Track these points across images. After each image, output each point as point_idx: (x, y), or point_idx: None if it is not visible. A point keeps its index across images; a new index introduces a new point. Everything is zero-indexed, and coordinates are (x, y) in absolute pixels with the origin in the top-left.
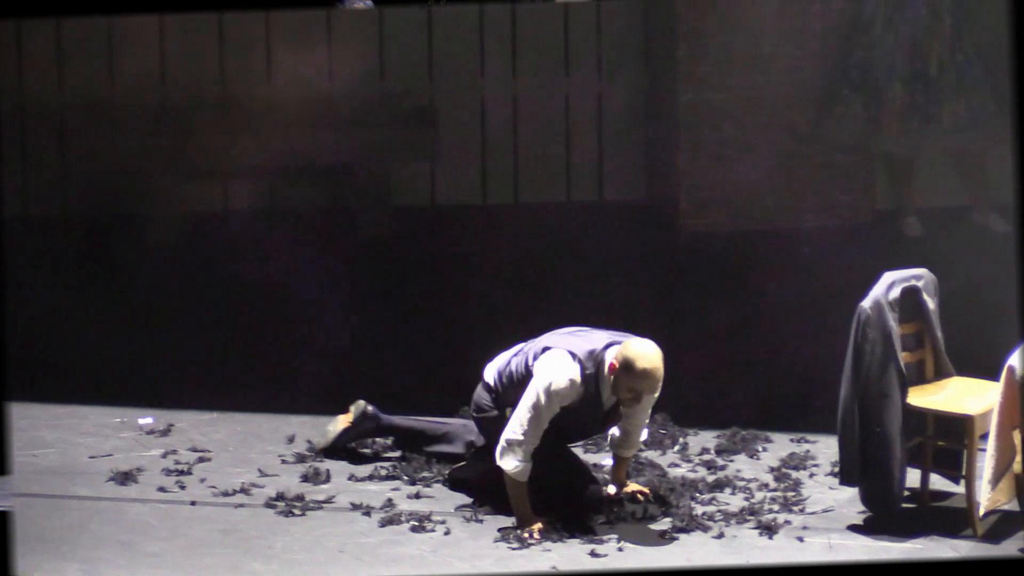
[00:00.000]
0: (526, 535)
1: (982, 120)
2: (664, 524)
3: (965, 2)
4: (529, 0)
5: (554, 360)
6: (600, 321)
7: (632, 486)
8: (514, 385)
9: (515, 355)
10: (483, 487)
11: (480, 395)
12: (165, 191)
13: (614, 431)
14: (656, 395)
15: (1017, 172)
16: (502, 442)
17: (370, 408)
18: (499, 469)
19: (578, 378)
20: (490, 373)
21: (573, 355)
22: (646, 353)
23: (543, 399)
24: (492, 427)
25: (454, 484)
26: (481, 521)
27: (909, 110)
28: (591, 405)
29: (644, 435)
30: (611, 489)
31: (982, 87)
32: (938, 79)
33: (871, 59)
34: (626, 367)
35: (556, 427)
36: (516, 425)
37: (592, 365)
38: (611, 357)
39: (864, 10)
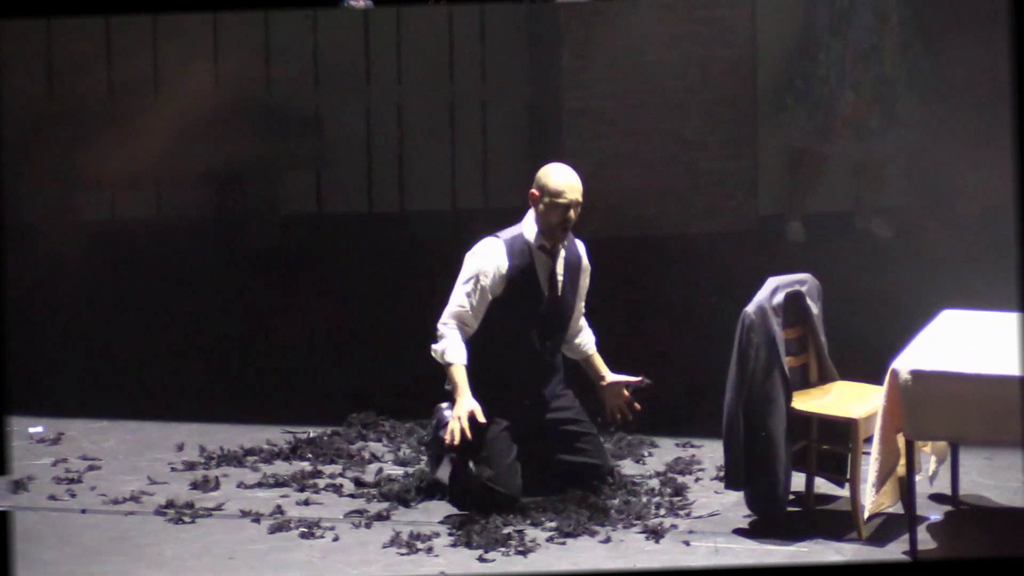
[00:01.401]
0: (452, 423)
1: (937, 115)
2: (550, 529)
3: None
4: (531, 1)
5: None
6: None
7: (613, 376)
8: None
9: None
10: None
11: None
12: (52, 200)
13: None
14: (587, 274)
15: (1017, 172)
16: None
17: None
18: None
19: (499, 244)
20: None
21: (492, 236)
22: (553, 164)
23: (465, 273)
24: None
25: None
26: (370, 527)
27: (866, 114)
28: (527, 275)
29: (587, 330)
30: (608, 378)
31: (931, 79)
32: (893, 79)
33: (816, 68)
34: (541, 185)
35: (511, 321)
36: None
37: (515, 231)
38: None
39: (816, 21)
